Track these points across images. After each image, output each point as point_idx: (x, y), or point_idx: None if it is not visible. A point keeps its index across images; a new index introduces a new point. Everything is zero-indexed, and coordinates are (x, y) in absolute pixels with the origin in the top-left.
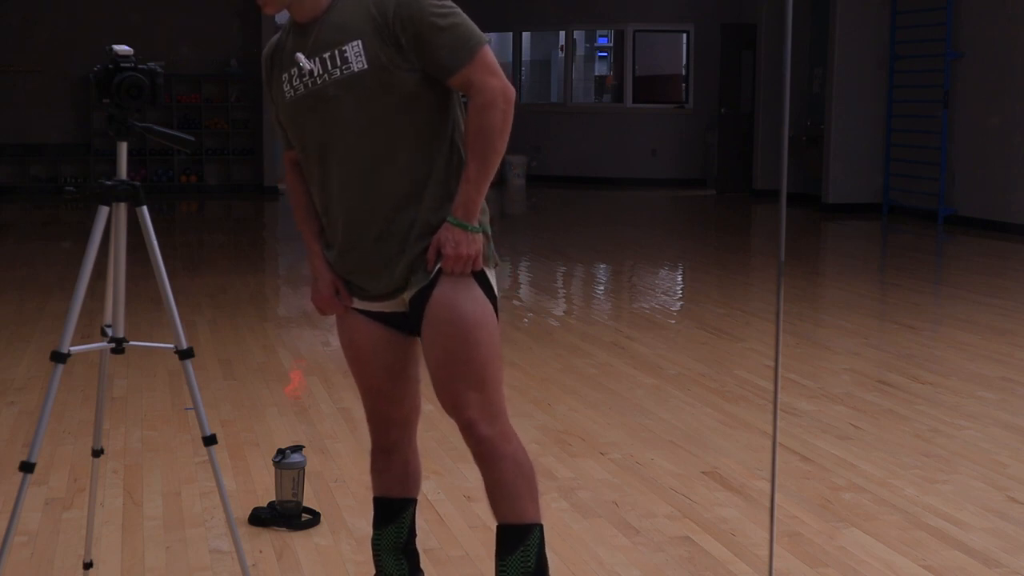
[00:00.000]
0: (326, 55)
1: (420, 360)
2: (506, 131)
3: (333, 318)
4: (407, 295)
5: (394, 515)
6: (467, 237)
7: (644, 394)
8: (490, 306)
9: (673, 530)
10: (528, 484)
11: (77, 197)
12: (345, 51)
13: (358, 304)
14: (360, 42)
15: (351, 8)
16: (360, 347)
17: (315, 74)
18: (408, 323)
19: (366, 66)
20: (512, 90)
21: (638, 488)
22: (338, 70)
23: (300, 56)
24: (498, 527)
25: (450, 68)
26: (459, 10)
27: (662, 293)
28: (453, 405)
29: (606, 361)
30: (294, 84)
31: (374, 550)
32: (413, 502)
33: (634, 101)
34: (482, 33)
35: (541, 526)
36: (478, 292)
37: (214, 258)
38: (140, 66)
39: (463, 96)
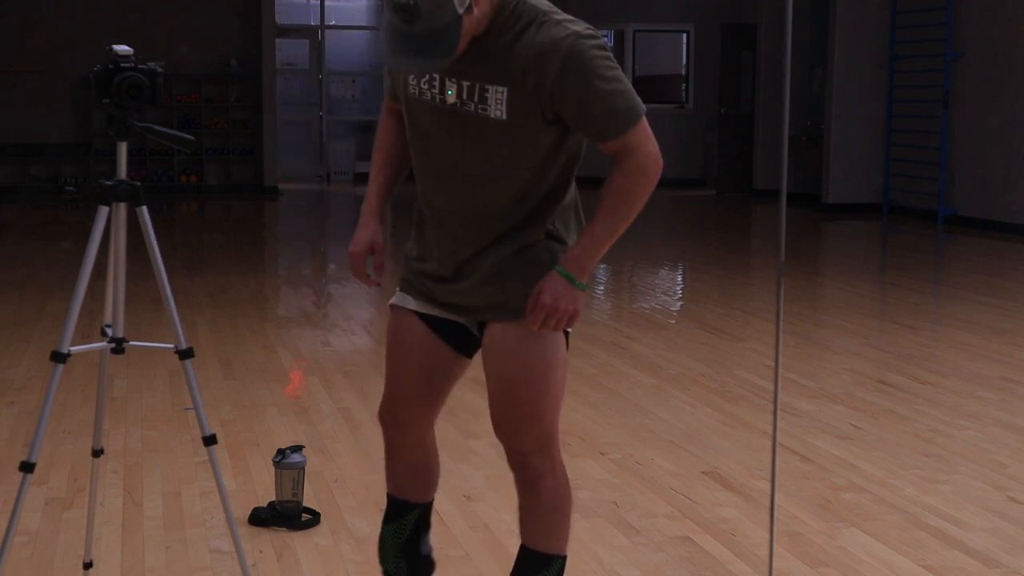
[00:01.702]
0: (465, 83)
1: (456, 381)
2: (647, 198)
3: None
4: (481, 318)
5: (396, 515)
6: (571, 293)
7: (644, 394)
8: (561, 341)
9: (673, 530)
10: (563, 516)
11: (77, 197)
12: (487, 92)
13: (417, 306)
14: (507, 90)
15: (508, 46)
16: (401, 343)
17: (449, 94)
18: (464, 338)
19: (504, 117)
20: (661, 160)
21: (638, 488)
22: (473, 105)
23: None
24: (521, 547)
25: (608, 135)
26: (623, 74)
27: (662, 293)
28: (505, 433)
29: (606, 361)
30: (422, 87)
31: (378, 544)
32: (415, 507)
33: None
34: (642, 103)
35: (564, 558)
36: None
37: (214, 258)
38: (140, 66)
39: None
